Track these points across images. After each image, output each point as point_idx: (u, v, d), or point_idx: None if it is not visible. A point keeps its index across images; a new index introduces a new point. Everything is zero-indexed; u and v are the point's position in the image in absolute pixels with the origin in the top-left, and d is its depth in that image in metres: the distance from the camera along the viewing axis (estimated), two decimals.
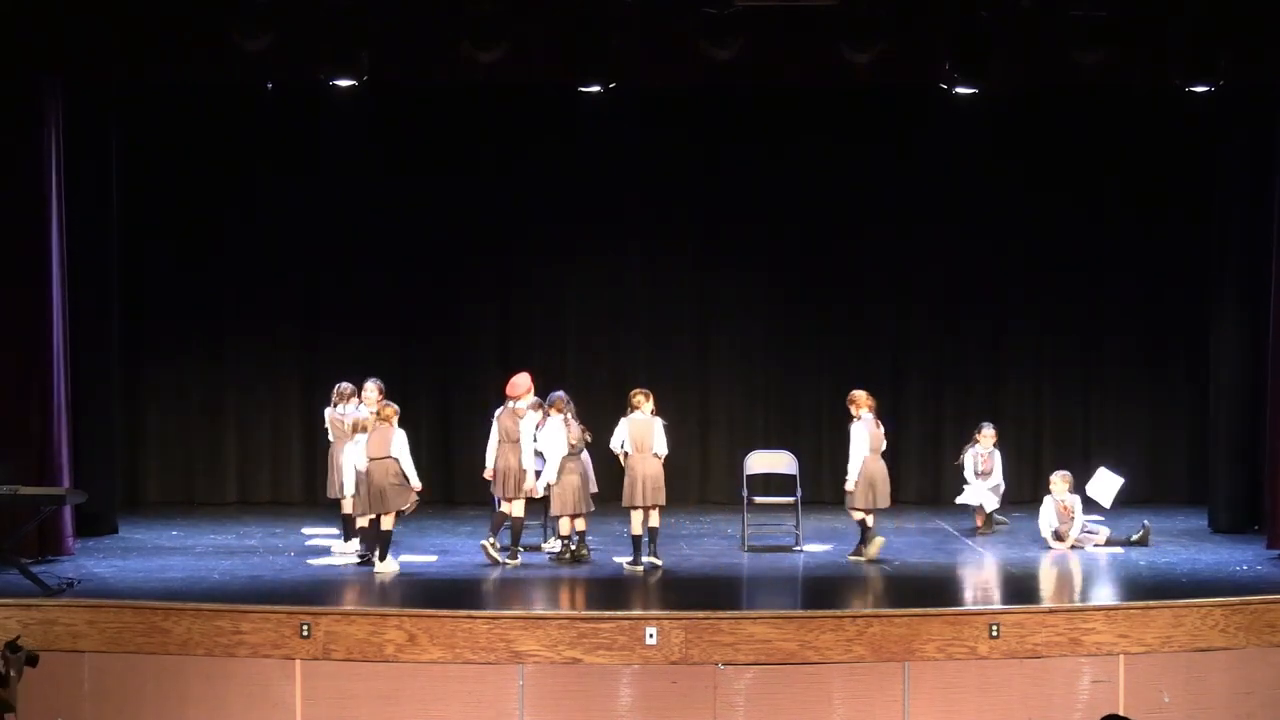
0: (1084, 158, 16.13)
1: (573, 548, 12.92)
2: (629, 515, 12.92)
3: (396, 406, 12.81)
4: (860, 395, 13.15)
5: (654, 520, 12.93)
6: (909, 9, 12.73)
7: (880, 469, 13.04)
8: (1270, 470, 13.45)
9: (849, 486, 13.02)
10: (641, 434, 12.93)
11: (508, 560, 12.81)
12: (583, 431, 13.00)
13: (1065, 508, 13.65)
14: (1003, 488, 14.62)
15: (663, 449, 12.99)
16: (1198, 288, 15.39)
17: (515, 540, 12.91)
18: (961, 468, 14.66)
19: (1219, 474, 14.65)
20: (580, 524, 12.96)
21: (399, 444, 12.56)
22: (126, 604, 11.13)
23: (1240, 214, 14.31)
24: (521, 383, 13.18)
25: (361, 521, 12.88)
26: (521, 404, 13.06)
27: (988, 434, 14.69)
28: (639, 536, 12.86)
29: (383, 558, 12.58)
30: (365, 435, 12.65)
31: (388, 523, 12.58)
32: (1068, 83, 13.86)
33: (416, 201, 16.04)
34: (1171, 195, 16.07)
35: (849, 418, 13.17)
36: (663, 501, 12.95)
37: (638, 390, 13.14)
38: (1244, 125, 14.14)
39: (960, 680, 10.85)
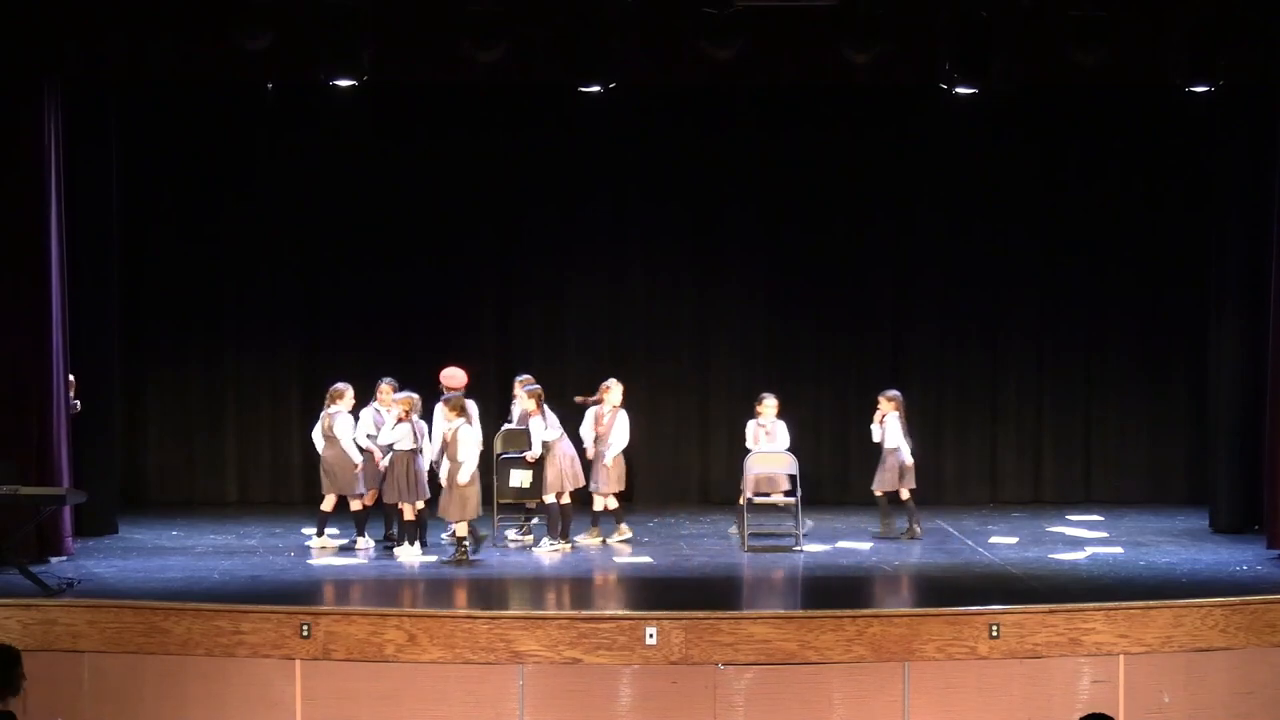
0: (1084, 158, 16.15)
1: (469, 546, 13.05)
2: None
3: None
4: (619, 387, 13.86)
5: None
6: (909, 9, 12.73)
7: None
8: (1270, 470, 13.44)
9: (610, 463, 13.70)
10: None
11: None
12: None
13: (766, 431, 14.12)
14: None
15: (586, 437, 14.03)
16: (1198, 288, 15.40)
17: (419, 535, 13.35)
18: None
19: (1219, 474, 14.63)
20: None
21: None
22: (126, 604, 11.13)
23: (1240, 213, 14.31)
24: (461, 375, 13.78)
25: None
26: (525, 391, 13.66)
27: (769, 404, 14.29)
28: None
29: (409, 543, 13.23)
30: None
31: (410, 513, 13.19)
32: (1068, 82, 13.88)
33: (416, 202, 16.04)
34: (1171, 195, 16.08)
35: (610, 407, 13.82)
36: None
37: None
38: (1244, 125, 14.14)
39: (960, 680, 10.84)
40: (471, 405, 13.49)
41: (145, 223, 15.81)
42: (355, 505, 13.57)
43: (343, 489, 13.46)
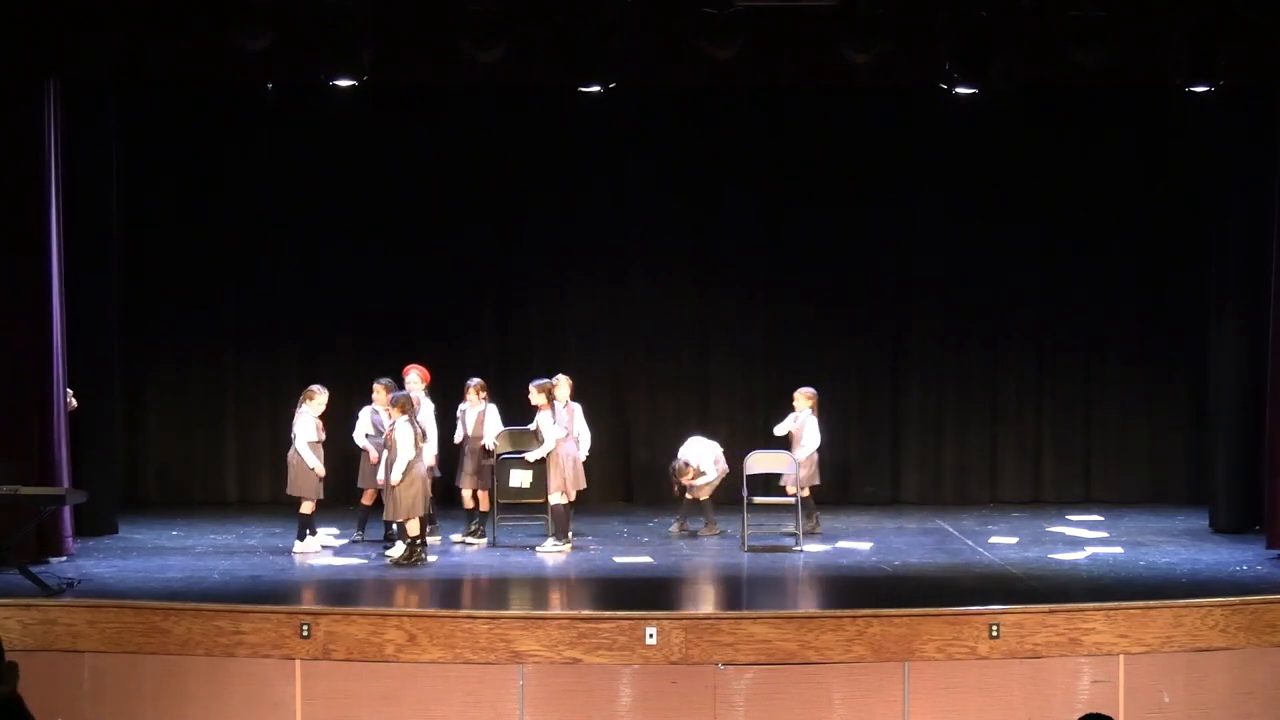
0: (1083, 157, 16.14)
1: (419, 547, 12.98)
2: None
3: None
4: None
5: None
6: (909, 9, 12.73)
7: None
8: (1270, 470, 13.44)
9: (535, 458, 13.53)
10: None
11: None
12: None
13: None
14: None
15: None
16: (1198, 288, 15.40)
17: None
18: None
19: (1219, 474, 14.63)
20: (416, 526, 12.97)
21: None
22: (126, 604, 11.13)
23: (1240, 212, 14.31)
24: None
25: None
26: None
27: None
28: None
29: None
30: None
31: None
32: (1068, 82, 13.89)
33: (416, 201, 16.04)
34: (1171, 194, 16.07)
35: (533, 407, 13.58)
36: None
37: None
38: (1244, 125, 14.14)
39: (960, 680, 10.84)
40: (428, 405, 13.58)
41: (145, 222, 15.81)
42: (307, 508, 13.37)
43: (294, 490, 13.42)
